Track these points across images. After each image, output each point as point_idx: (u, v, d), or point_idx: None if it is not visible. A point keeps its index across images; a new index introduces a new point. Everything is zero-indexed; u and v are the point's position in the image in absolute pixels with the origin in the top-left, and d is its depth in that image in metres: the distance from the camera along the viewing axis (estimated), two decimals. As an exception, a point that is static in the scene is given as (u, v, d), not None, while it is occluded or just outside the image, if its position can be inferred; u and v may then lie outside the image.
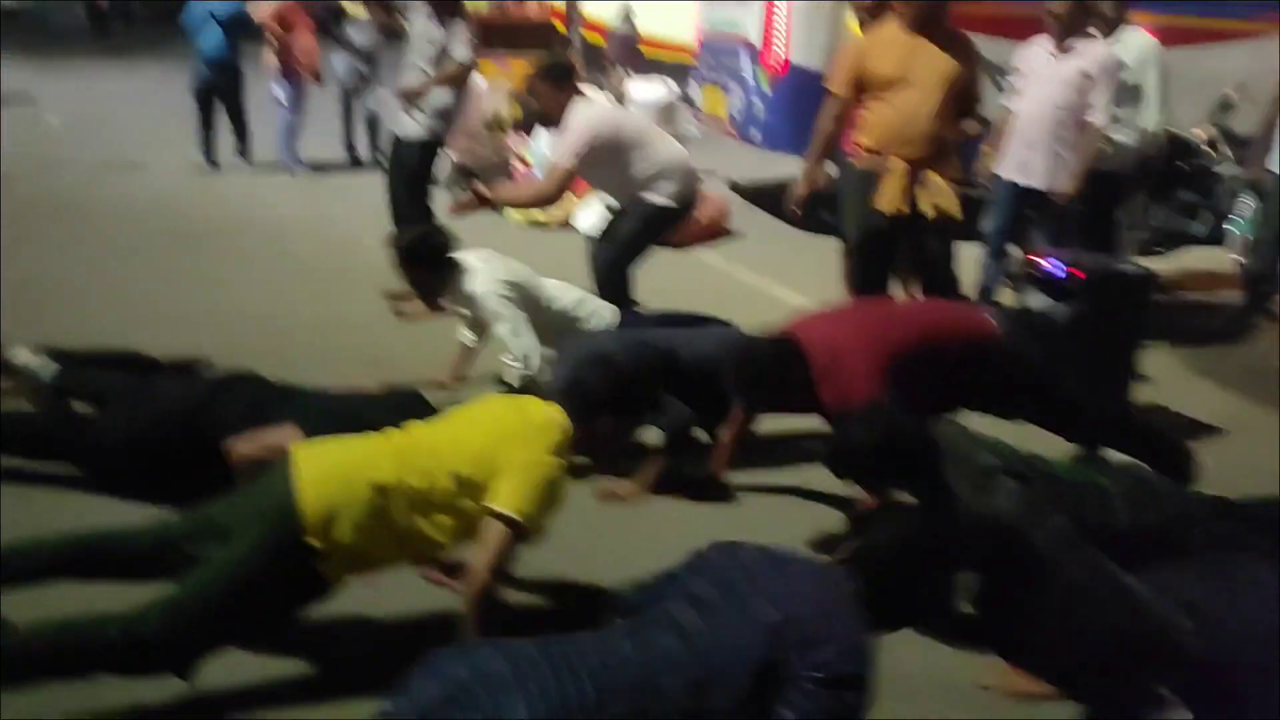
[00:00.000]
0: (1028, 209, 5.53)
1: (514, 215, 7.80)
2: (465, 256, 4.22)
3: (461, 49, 5.97)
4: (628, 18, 14.63)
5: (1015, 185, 5.50)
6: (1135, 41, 5.70)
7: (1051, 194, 5.36)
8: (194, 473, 2.99)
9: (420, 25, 6.06)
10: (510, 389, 4.06)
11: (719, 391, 3.59)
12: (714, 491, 3.75)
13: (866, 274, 4.89)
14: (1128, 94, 5.58)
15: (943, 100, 4.52)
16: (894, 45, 4.59)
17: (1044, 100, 5.35)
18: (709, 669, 1.95)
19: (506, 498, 2.48)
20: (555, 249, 6.88)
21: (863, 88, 4.65)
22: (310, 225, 7.52)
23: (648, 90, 10.13)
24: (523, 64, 10.61)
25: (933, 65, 4.52)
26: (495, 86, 9.57)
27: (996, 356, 3.62)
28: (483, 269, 4.15)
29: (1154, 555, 2.63)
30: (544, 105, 4.80)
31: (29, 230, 6.70)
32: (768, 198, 6.91)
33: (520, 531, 2.49)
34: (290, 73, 9.08)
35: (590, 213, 7.64)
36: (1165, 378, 5.09)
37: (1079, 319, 4.13)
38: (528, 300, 4.16)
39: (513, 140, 8.88)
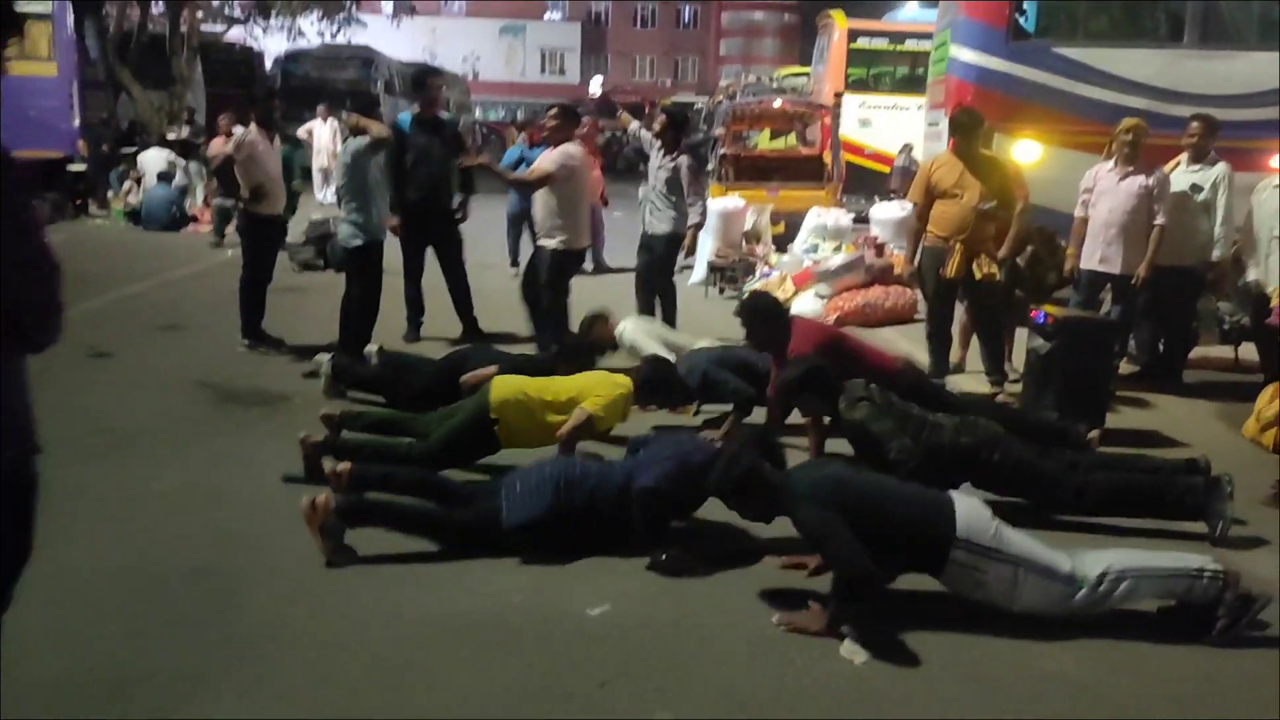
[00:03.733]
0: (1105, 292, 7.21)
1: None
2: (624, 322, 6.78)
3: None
4: (909, 152, 16.85)
5: (1094, 273, 7.18)
6: (1214, 169, 7.19)
7: (1125, 276, 7.02)
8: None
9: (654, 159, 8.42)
10: None
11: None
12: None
13: (939, 319, 7.07)
14: (1204, 211, 7.09)
15: (981, 199, 6.63)
16: (950, 165, 6.81)
17: (1113, 209, 7.05)
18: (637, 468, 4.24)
19: (591, 402, 4.85)
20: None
21: (931, 195, 6.82)
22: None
23: (888, 210, 12.27)
24: (789, 192, 13.15)
25: (975, 178, 6.65)
26: (761, 209, 12.12)
27: (895, 379, 5.27)
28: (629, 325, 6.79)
29: (969, 462, 4.55)
30: None
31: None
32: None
33: (590, 422, 4.82)
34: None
35: (805, 300, 9.88)
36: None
37: (1051, 353, 5.87)
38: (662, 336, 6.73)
39: (762, 248, 11.32)
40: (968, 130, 6.84)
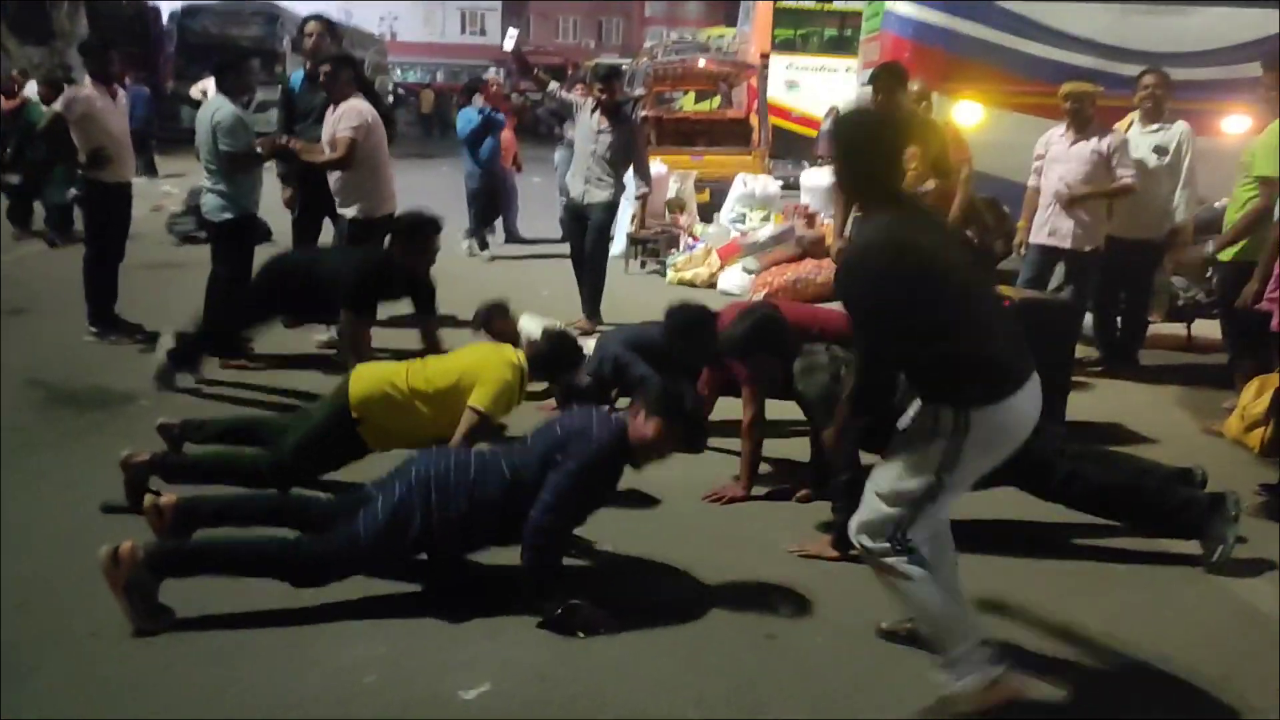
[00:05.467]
0: (1058, 265, 6.58)
1: (670, 276, 9.44)
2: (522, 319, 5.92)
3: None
4: (834, 115, 16.17)
5: (1044, 247, 6.55)
6: (1175, 128, 6.60)
7: (1078, 252, 6.39)
8: None
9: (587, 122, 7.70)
10: None
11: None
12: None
13: None
14: (1168, 175, 6.47)
15: (916, 172, 5.81)
16: None
17: (1064, 177, 6.41)
18: (526, 458, 3.44)
19: (478, 397, 4.04)
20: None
21: None
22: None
23: (818, 176, 11.59)
24: (714, 157, 12.40)
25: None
26: (684, 175, 11.34)
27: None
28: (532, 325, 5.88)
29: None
30: None
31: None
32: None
33: (484, 419, 4.03)
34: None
35: (731, 275, 9.17)
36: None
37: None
38: None
39: (685, 219, 10.56)
40: (890, 88, 6.10)
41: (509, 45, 8.10)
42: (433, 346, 5.20)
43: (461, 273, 9.09)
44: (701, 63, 15.01)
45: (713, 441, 4.94)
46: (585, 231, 7.52)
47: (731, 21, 28.79)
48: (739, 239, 9.50)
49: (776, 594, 3.58)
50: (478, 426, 4.04)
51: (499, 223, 11.52)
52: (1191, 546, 3.97)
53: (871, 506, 2.87)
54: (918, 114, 6.22)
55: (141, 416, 5.00)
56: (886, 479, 2.85)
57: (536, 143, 19.86)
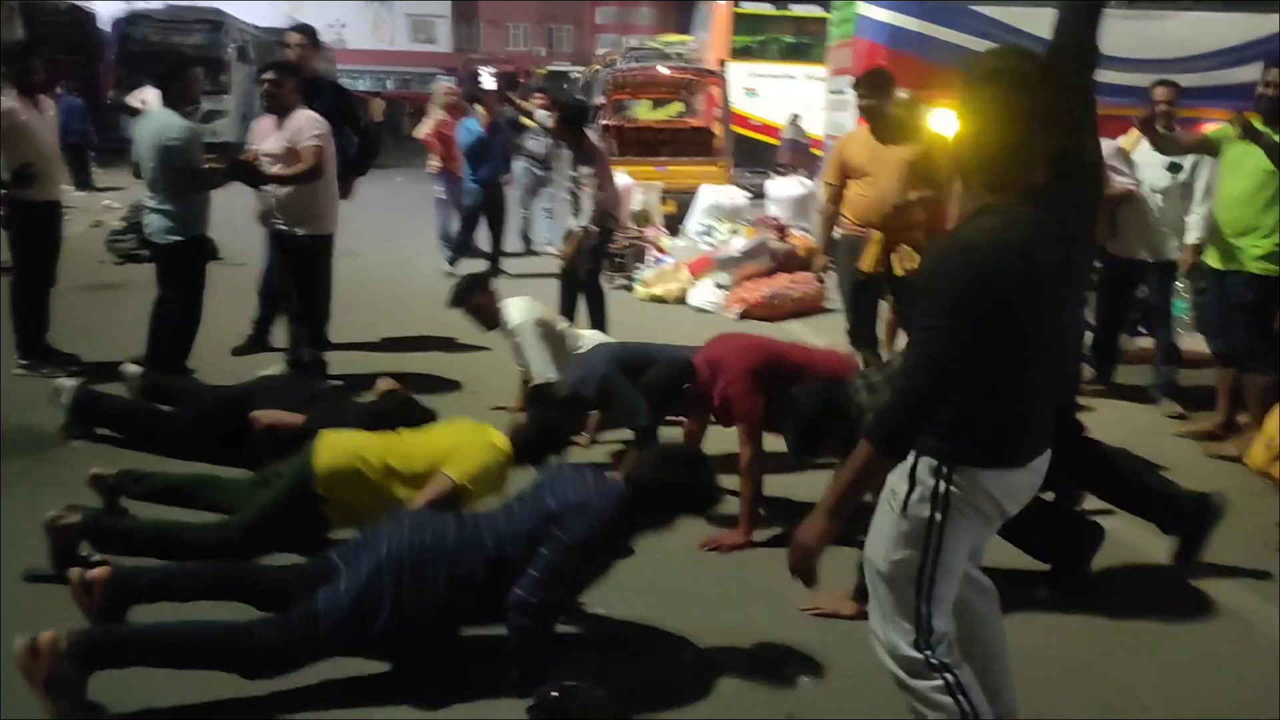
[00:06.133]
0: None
1: (639, 292, 9.08)
2: (506, 302, 5.48)
3: None
4: (795, 123, 15.96)
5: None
6: None
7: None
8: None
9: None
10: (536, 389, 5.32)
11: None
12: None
13: (857, 320, 5.92)
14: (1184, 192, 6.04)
15: (903, 184, 5.48)
16: (863, 141, 5.70)
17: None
18: (514, 534, 3.04)
19: (455, 466, 3.57)
20: (667, 320, 8.10)
21: (845, 176, 5.69)
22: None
23: (786, 186, 11.29)
24: (679, 167, 12.07)
25: (893, 157, 5.52)
26: (649, 186, 10.99)
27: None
28: (517, 308, 5.42)
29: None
30: None
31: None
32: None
33: (455, 490, 3.53)
34: (452, 174, 10.66)
35: (703, 291, 8.82)
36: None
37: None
38: (552, 337, 5.39)
39: (652, 231, 10.20)
40: (876, 96, 5.73)
41: (491, 84, 7.76)
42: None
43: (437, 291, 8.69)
44: (664, 70, 14.62)
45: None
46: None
47: (683, 28, 28.57)
48: (710, 253, 9.16)
49: (792, 662, 3.22)
50: (446, 496, 3.54)
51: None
52: (1231, 596, 3.68)
53: (880, 597, 2.44)
54: (907, 121, 5.90)
55: (74, 462, 4.52)
56: (880, 551, 2.40)
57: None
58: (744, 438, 4.10)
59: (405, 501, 3.55)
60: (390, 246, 10.71)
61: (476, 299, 5.46)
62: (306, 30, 6.64)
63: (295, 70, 6.15)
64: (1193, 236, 5.84)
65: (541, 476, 3.34)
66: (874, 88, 5.67)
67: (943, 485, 2.27)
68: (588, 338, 5.58)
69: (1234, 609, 3.75)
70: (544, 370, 5.28)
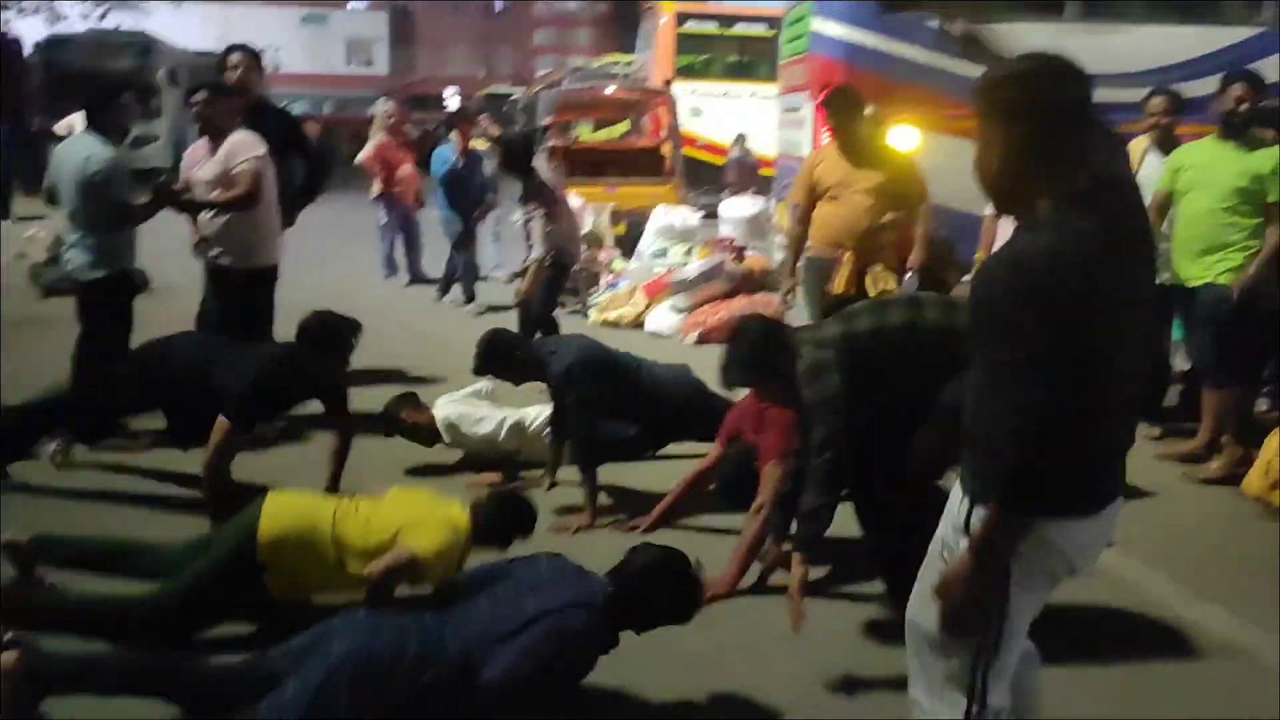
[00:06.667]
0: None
1: (593, 317, 8.79)
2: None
3: None
4: (741, 143, 15.84)
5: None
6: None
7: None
8: None
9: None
10: None
11: (663, 418, 4.38)
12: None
13: None
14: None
15: (877, 205, 5.27)
16: (833, 159, 5.49)
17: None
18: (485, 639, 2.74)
19: (414, 538, 3.23)
20: (623, 346, 7.79)
21: (814, 195, 5.47)
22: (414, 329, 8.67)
23: (739, 206, 11.09)
24: (629, 188, 11.82)
25: (865, 176, 5.33)
26: (600, 208, 10.71)
27: None
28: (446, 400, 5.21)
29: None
30: None
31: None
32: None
33: (412, 564, 3.20)
34: (394, 199, 10.35)
35: (659, 315, 8.56)
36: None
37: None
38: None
39: (605, 254, 9.92)
40: (846, 114, 5.56)
41: (453, 105, 7.48)
42: (338, 464, 4.42)
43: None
44: (611, 90, 14.37)
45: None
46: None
47: (622, 48, 28.45)
48: (665, 276, 8.90)
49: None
50: (401, 570, 3.20)
51: (404, 262, 10.74)
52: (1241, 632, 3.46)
53: (927, 664, 2.17)
54: (877, 140, 5.70)
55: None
56: (932, 614, 2.11)
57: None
58: (770, 476, 3.81)
59: (356, 577, 3.22)
60: (330, 275, 10.30)
61: (408, 419, 5.10)
62: (249, 51, 6.26)
63: (230, 91, 5.78)
64: None
65: (516, 570, 3.03)
66: (844, 105, 5.46)
67: (1035, 538, 2.00)
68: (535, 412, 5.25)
69: (1242, 646, 3.55)
70: (490, 424, 5.01)
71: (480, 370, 4.79)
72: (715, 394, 4.61)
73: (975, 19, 8.23)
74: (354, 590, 3.24)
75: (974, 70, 7.69)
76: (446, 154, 9.67)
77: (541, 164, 6.82)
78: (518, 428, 5.10)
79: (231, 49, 6.24)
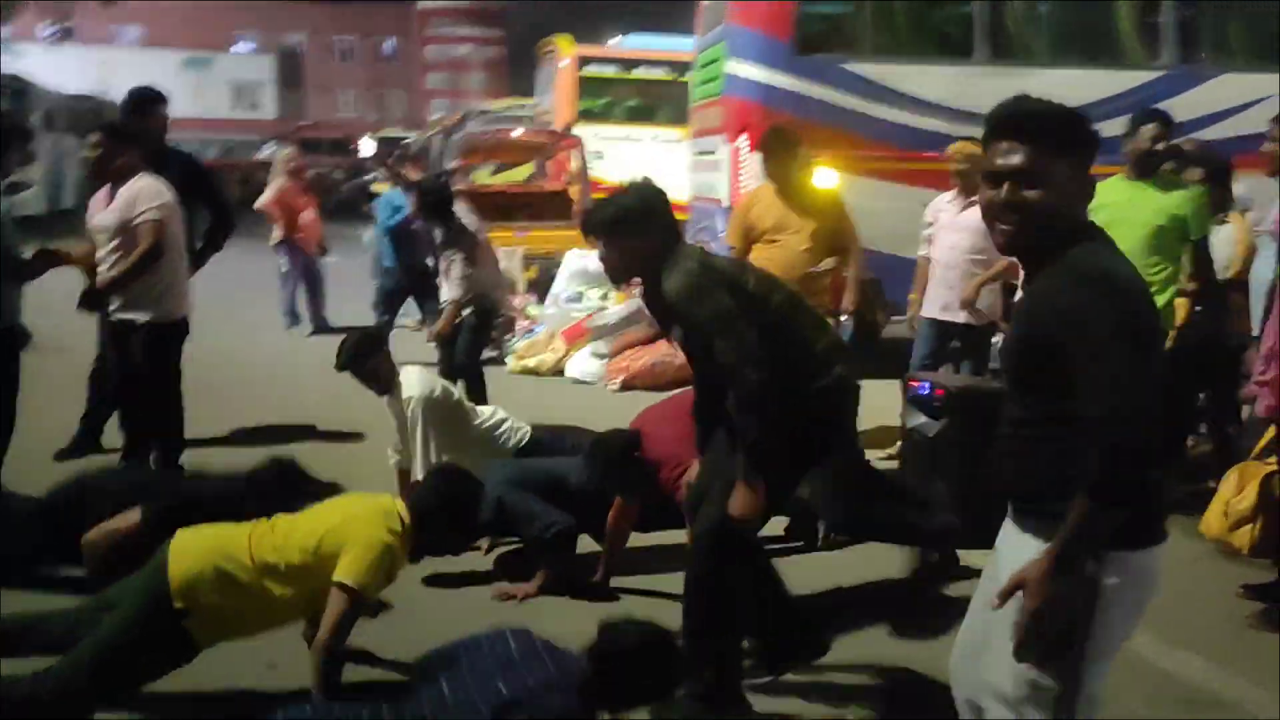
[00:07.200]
0: (954, 342, 6.09)
1: (511, 365, 8.52)
2: (406, 369, 4.84)
3: None
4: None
5: (937, 322, 6.03)
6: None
7: (976, 327, 5.91)
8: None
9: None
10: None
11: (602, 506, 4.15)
12: (600, 593, 4.19)
13: None
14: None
15: (812, 247, 5.18)
16: (768, 202, 5.40)
17: (955, 246, 5.93)
18: None
19: (346, 569, 2.98)
20: (544, 394, 7.57)
21: (750, 238, 5.35)
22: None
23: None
24: (541, 232, 11.62)
25: (802, 218, 5.24)
26: (510, 253, 10.46)
27: None
28: (416, 378, 4.77)
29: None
30: None
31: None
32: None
33: (357, 598, 2.98)
34: (296, 245, 9.97)
35: (580, 361, 8.33)
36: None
37: (945, 431, 4.58)
38: (451, 414, 4.76)
39: (519, 299, 9.67)
40: (782, 156, 5.48)
41: (368, 151, 7.17)
42: None
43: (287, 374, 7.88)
44: (518, 133, 14.15)
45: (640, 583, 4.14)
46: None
47: (516, 91, 28.32)
48: (584, 321, 8.69)
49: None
50: (349, 612, 2.97)
51: (306, 311, 10.30)
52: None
53: None
54: (811, 184, 5.61)
55: None
56: (1005, 671, 1.98)
57: (336, 221, 18.54)
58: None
59: (285, 600, 2.99)
60: (230, 325, 9.81)
61: (372, 361, 4.76)
62: (153, 92, 5.89)
63: (129, 134, 5.39)
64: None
65: (481, 647, 2.79)
66: (780, 147, 5.37)
67: (1093, 579, 1.95)
68: (485, 414, 4.95)
69: (1216, 694, 3.46)
70: (421, 466, 4.65)
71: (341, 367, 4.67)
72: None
73: (886, 60, 8.32)
74: (289, 617, 3.03)
75: (886, 112, 7.81)
76: (396, 200, 9.16)
77: (462, 209, 6.52)
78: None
79: (136, 90, 5.89)
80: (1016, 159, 1.99)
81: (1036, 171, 1.99)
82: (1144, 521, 1.97)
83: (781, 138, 5.48)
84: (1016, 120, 2.04)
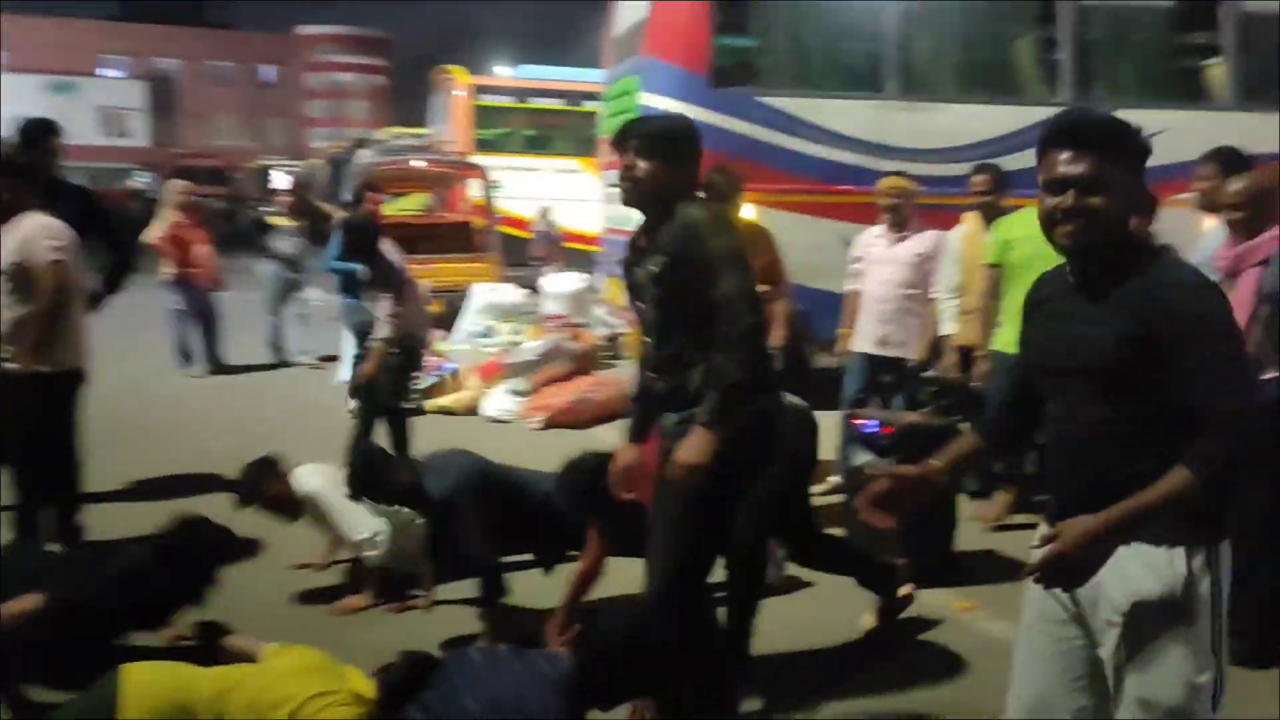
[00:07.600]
0: (885, 376, 6.09)
1: (427, 404, 8.24)
2: (298, 470, 4.50)
3: None
4: (546, 216, 15.67)
5: (869, 356, 6.03)
6: None
7: (905, 360, 5.93)
8: None
9: None
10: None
11: (557, 527, 3.96)
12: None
13: None
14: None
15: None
16: None
17: (888, 280, 5.94)
18: None
19: None
20: (463, 433, 7.30)
21: None
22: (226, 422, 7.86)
23: (563, 282, 10.82)
24: (447, 265, 11.36)
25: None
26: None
27: None
28: (309, 471, 4.49)
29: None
30: None
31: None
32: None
33: None
34: (189, 282, 9.51)
35: (496, 399, 8.11)
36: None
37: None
38: None
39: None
40: (724, 194, 5.38)
41: (281, 182, 6.82)
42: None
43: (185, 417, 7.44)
44: (422, 162, 13.80)
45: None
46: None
47: (401, 120, 27.96)
48: (499, 357, 8.47)
49: None
50: None
51: (199, 349, 9.81)
52: None
53: None
54: (747, 220, 5.55)
55: None
56: (1174, 685, 2.03)
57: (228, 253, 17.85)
58: None
59: None
60: (122, 368, 9.27)
61: (270, 488, 4.42)
62: (45, 122, 5.51)
63: (14, 167, 4.99)
64: (947, 328, 5.82)
65: (445, 671, 2.65)
66: (726, 185, 5.30)
67: (1216, 576, 2.05)
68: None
69: None
70: (361, 526, 4.37)
71: (357, 493, 4.21)
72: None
73: (800, 94, 8.37)
74: None
75: (801, 145, 7.83)
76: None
77: (389, 245, 6.24)
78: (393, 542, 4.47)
79: (29, 120, 5.50)
80: (1080, 167, 2.07)
81: (1099, 178, 2.07)
82: (1224, 513, 2.09)
83: (727, 175, 5.40)
84: (1079, 130, 2.12)
